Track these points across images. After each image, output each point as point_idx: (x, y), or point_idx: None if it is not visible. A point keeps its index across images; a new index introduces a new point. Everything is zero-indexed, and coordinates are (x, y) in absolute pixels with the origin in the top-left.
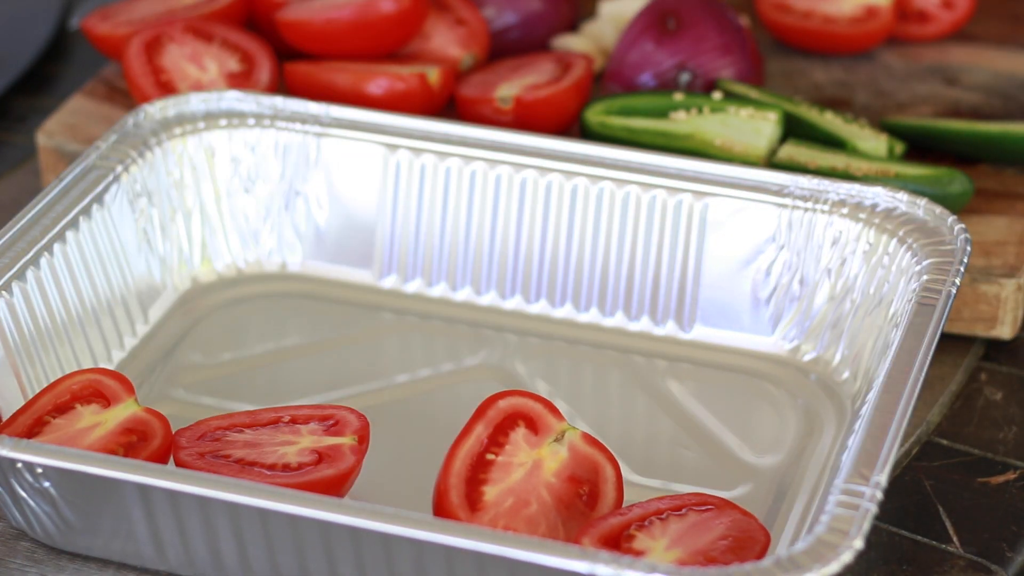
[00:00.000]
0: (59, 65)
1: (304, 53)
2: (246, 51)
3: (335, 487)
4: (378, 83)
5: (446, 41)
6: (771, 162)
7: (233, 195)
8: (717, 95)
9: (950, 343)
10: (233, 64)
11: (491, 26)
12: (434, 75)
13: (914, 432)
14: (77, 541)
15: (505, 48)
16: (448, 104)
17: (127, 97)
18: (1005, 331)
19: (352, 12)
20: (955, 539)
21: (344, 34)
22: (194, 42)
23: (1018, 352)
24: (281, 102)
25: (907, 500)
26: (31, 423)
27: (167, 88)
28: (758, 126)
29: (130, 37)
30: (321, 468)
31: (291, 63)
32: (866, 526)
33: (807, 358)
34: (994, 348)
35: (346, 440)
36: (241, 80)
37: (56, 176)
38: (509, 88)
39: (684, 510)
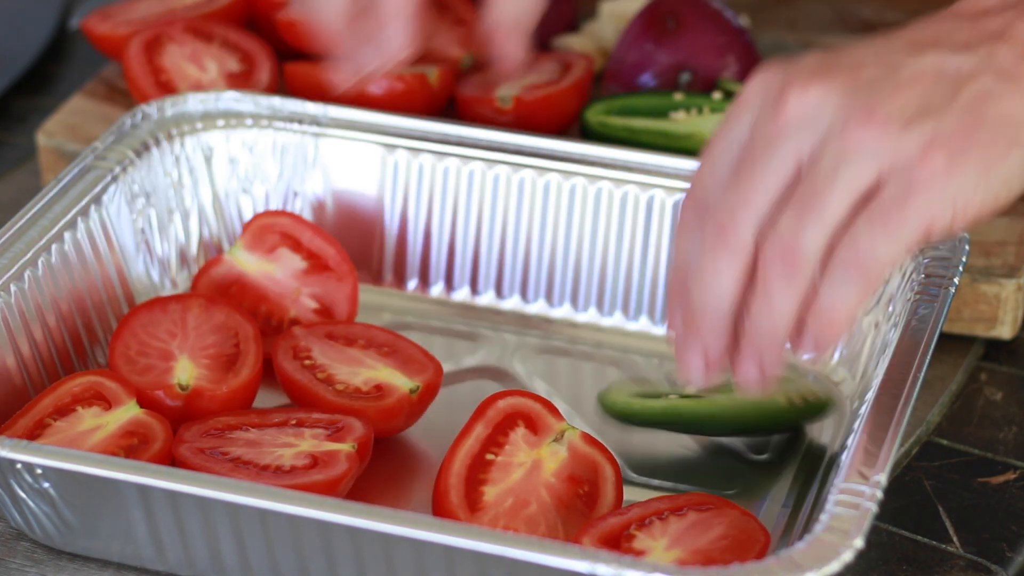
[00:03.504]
0: (59, 65)
1: (304, 53)
2: (246, 51)
3: (324, 493)
4: (378, 83)
5: (446, 41)
6: None
7: (231, 195)
8: (717, 95)
9: (950, 343)
10: (233, 64)
11: None
12: (434, 75)
13: (914, 432)
14: (77, 542)
15: None
16: (448, 104)
17: (127, 97)
18: (1005, 331)
19: None
20: (955, 539)
21: None
22: (194, 42)
23: (1018, 352)
24: (279, 102)
25: (907, 500)
26: (31, 425)
27: (167, 88)
28: None
29: (130, 37)
30: (311, 473)
31: (291, 63)
32: (866, 525)
33: (805, 357)
34: (994, 348)
35: (344, 447)
36: (241, 80)
37: (55, 176)
38: (509, 88)
39: (684, 510)
